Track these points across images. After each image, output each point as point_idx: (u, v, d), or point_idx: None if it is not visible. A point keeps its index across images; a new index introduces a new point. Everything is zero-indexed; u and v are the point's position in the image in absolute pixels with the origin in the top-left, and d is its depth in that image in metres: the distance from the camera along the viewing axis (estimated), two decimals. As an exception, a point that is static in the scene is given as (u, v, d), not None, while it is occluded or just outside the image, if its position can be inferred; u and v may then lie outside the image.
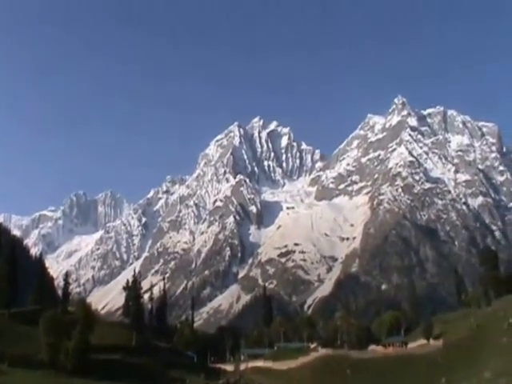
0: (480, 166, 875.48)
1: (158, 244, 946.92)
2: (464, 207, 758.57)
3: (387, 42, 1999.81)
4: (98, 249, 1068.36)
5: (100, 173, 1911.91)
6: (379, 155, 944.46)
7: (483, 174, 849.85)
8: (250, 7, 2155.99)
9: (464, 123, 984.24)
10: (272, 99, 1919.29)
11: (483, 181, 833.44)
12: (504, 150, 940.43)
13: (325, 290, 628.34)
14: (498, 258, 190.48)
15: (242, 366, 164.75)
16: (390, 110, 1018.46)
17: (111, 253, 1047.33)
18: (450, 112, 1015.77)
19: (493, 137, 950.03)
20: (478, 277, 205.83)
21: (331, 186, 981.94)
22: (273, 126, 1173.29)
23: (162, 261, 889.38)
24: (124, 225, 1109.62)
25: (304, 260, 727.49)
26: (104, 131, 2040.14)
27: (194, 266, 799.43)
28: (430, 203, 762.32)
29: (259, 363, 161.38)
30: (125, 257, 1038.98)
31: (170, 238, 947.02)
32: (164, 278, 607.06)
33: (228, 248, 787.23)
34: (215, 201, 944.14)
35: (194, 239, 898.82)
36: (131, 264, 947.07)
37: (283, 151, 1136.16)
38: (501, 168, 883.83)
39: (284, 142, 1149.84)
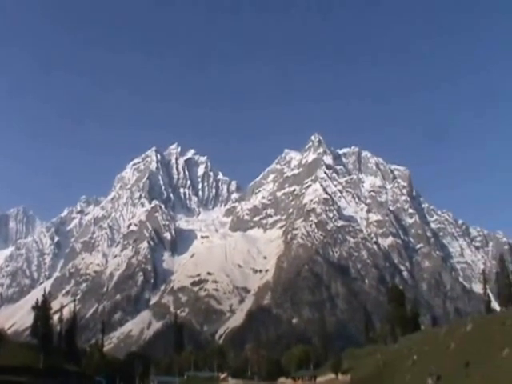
0: (391, 208, 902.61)
1: (70, 264, 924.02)
2: (375, 246, 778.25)
3: (308, 77, 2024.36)
4: (7, 265, 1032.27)
5: (12, 187, 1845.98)
6: (294, 190, 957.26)
7: (394, 216, 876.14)
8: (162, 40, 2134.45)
9: (377, 165, 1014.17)
10: (190, 127, 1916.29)
11: (393, 222, 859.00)
12: (414, 193, 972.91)
13: (236, 320, 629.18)
14: (404, 296, 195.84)
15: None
16: (306, 147, 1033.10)
17: (21, 270, 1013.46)
18: (365, 153, 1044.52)
19: (404, 180, 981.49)
20: (385, 314, 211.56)
21: (246, 217, 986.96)
22: (190, 153, 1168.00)
23: (73, 282, 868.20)
24: (36, 242, 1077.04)
25: (217, 290, 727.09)
26: (20, 143, 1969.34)
27: (105, 289, 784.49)
28: (342, 240, 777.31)
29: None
30: (35, 275, 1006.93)
31: (83, 259, 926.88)
32: (75, 300, 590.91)
33: (141, 273, 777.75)
34: (130, 225, 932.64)
35: (106, 262, 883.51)
36: (42, 283, 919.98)
37: (200, 180, 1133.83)
38: (410, 211, 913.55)
39: (201, 170, 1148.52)
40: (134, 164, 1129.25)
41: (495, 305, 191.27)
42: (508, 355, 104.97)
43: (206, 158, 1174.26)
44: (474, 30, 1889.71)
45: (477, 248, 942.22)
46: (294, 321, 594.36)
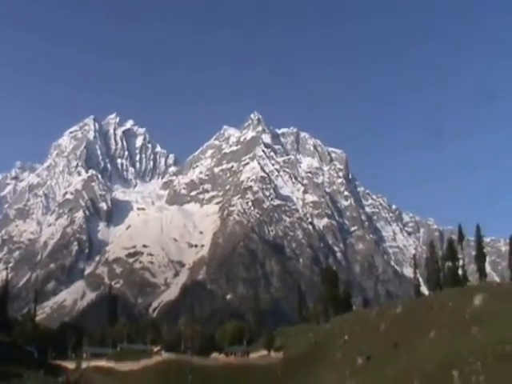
0: (327, 189, 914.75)
1: (3, 231, 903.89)
2: (310, 227, 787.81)
3: (251, 55, 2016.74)
4: None
5: None
6: (232, 167, 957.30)
7: (329, 197, 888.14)
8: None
9: (315, 146, 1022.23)
10: (129, 97, 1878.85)
11: (329, 204, 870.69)
12: (350, 176, 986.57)
13: (171, 294, 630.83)
14: (338, 277, 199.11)
15: (84, 365, 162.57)
16: (245, 125, 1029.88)
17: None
18: (303, 134, 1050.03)
19: (341, 163, 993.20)
20: (318, 294, 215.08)
21: (183, 191, 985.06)
22: (129, 124, 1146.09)
23: (6, 249, 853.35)
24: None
25: (152, 263, 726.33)
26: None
27: (39, 257, 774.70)
28: (278, 219, 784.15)
29: (101, 363, 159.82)
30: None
31: (16, 226, 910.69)
32: (7, 268, 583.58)
33: (76, 243, 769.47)
34: (65, 193, 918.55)
35: (41, 230, 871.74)
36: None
37: (137, 151, 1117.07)
38: (346, 193, 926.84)
39: (139, 142, 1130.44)
40: (72, 132, 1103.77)
41: (424, 289, 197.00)
42: (434, 337, 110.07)
43: (144, 129, 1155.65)
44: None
45: (409, 233, 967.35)
46: (229, 297, 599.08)
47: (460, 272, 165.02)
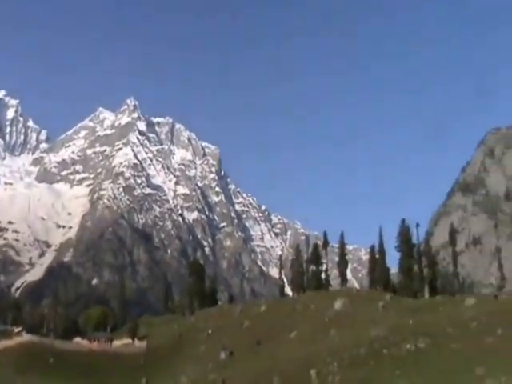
0: (199, 183, 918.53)
1: None
2: (180, 219, 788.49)
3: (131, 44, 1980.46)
4: None
5: None
6: (105, 151, 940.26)
7: (201, 191, 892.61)
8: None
9: (189, 139, 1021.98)
10: (3, 65, 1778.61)
11: (200, 198, 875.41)
12: (222, 173, 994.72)
13: (35, 274, 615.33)
14: (204, 272, 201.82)
15: None
16: (121, 109, 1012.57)
17: None
18: (178, 126, 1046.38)
19: (214, 159, 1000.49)
20: (185, 287, 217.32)
21: (54, 170, 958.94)
22: (1, 94, 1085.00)
23: None
24: None
25: (17, 240, 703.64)
26: None
27: None
28: (148, 208, 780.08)
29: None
30: None
31: None
32: None
33: None
34: None
35: None
36: None
37: (8, 123, 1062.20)
38: (217, 189, 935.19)
39: (11, 114, 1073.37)
40: None
41: (288, 290, 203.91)
42: (295, 337, 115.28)
43: (17, 101, 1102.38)
44: None
45: (276, 234, 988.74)
46: (94, 281, 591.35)
47: (323, 276, 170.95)
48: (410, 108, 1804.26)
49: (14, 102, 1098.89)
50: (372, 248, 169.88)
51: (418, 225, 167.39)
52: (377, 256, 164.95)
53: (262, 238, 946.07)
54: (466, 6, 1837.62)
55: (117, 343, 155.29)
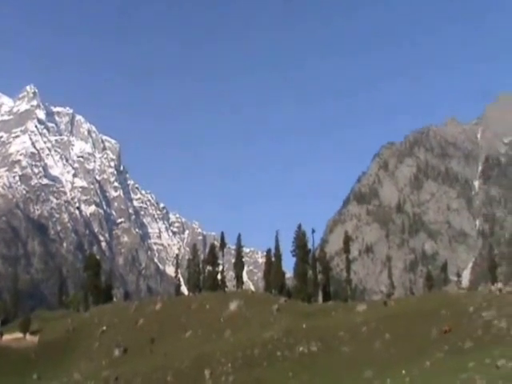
0: (97, 177, 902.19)
1: None
2: (77, 212, 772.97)
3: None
4: None
5: None
6: (1, 137, 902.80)
7: (99, 185, 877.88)
8: None
9: (89, 132, 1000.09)
10: None
11: (98, 191, 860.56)
12: (121, 168, 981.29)
13: None
14: (100, 267, 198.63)
15: None
16: (20, 96, 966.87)
17: None
18: (79, 117, 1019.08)
19: (113, 153, 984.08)
20: (80, 281, 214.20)
21: None
22: None
23: None
24: None
25: None
26: None
27: None
28: (45, 199, 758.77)
29: None
30: None
31: None
32: None
33: None
34: None
35: None
36: None
37: None
38: (116, 184, 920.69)
39: None
40: None
41: (184, 289, 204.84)
42: (190, 337, 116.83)
43: None
44: None
45: (174, 233, 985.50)
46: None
47: (219, 277, 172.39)
48: (308, 116, 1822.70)
49: None
50: (268, 251, 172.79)
51: (313, 231, 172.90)
52: (273, 259, 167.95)
53: (159, 236, 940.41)
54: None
55: (7, 337, 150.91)
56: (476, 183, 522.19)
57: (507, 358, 54.51)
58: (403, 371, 64.96)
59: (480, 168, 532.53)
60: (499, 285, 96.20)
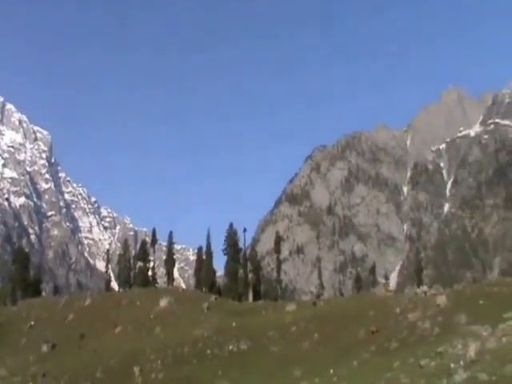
0: (28, 168, 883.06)
1: None
2: (6, 203, 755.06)
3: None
4: None
5: None
6: None
7: (29, 177, 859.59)
8: None
9: (20, 122, 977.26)
10: None
11: (28, 183, 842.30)
12: (53, 160, 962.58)
13: None
14: (29, 260, 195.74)
15: None
16: None
17: None
18: (10, 106, 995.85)
19: (45, 145, 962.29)
20: (8, 274, 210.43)
21: None
22: None
23: None
24: None
25: None
26: None
27: None
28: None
29: None
30: None
31: None
32: None
33: None
34: None
35: None
36: None
37: None
38: (47, 176, 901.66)
39: None
40: None
41: (115, 285, 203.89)
42: (120, 333, 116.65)
43: None
44: None
45: (105, 228, 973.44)
46: None
47: (150, 273, 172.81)
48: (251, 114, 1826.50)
49: None
50: (200, 249, 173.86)
51: (245, 230, 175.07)
52: (204, 257, 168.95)
53: (90, 230, 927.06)
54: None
55: None
56: (405, 188, 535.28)
57: (430, 357, 56.54)
58: (331, 370, 66.54)
59: (409, 174, 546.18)
60: (424, 287, 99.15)
